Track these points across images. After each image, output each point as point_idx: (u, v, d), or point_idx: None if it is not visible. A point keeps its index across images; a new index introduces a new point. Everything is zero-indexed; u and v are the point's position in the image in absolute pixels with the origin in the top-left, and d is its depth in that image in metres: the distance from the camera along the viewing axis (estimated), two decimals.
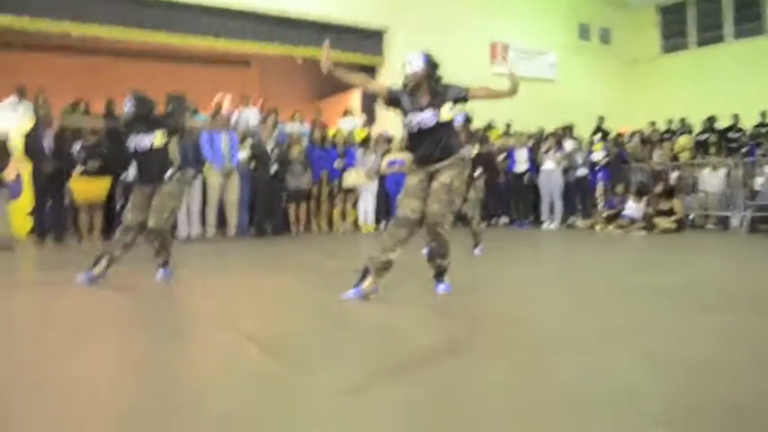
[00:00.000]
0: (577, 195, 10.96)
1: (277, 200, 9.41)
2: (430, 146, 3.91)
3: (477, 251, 6.67)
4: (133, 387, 2.35)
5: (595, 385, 2.21)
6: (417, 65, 3.90)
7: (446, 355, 2.64)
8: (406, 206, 3.91)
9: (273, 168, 9.20)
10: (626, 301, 3.93)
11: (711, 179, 10.28)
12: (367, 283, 3.85)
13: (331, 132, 10.94)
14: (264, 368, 2.51)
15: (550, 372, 2.38)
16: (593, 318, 3.43)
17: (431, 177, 3.93)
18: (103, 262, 4.80)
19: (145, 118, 4.90)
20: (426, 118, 3.88)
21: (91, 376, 2.46)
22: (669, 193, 9.75)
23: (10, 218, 8.20)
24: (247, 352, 2.77)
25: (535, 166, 10.99)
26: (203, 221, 8.87)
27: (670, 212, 9.53)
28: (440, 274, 4.10)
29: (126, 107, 4.88)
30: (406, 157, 6.82)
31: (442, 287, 4.07)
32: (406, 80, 3.93)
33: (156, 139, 4.86)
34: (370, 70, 13.66)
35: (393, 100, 4.00)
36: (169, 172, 4.91)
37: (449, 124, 3.96)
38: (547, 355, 2.65)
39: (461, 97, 3.96)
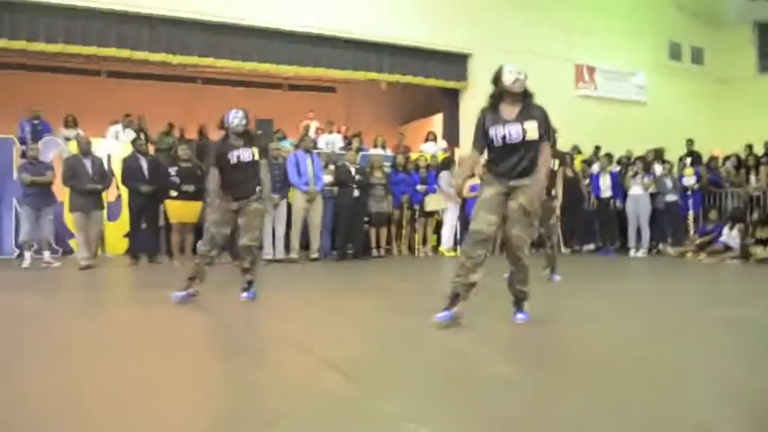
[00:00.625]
0: (667, 221, 10.57)
1: (359, 223, 9.56)
2: (512, 160, 3.87)
3: (555, 277, 6.52)
4: (209, 407, 2.46)
5: (670, 421, 2.15)
6: (524, 77, 3.91)
7: (516, 388, 2.63)
8: (482, 220, 3.85)
9: (356, 192, 9.36)
10: (710, 335, 3.78)
11: None
12: (457, 307, 3.87)
13: (414, 156, 11.06)
14: (338, 392, 2.57)
15: (623, 407, 2.33)
16: (670, 352, 3.32)
17: (508, 193, 3.89)
18: (195, 280, 5.03)
19: (246, 133, 5.15)
20: (513, 131, 3.85)
21: (169, 394, 2.59)
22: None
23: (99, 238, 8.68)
24: (322, 375, 2.83)
25: (622, 191, 10.70)
26: (287, 244, 9.11)
27: None
28: (519, 302, 4.06)
29: (236, 120, 5.06)
30: None
31: (520, 316, 4.03)
32: (517, 86, 3.88)
33: (255, 154, 5.10)
34: (454, 94, 13.76)
35: (485, 129, 3.95)
36: (257, 190, 5.13)
37: (534, 142, 3.88)
38: (621, 391, 2.59)
39: (545, 133, 3.91)
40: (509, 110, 3.91)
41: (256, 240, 5.18)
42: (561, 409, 2.31)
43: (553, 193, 6.44)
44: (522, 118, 3.87)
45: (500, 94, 3.95)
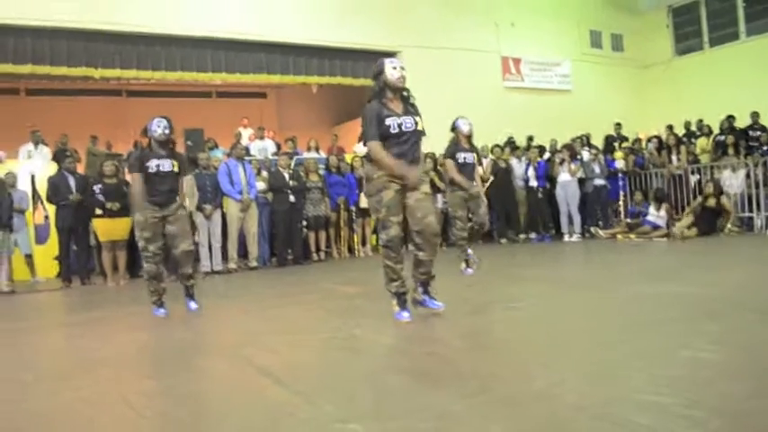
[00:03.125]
0: (597, 205, 10.89)
1: (297, 229, 9.51)
2: (406, 147, 3.92)
3: (469, 271, 6.59)
4: (142, 424, 2.41)
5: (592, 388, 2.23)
6: (406, 73, 3.99)
7: (450, 379, 2.68)
8: (395, 225, 3.89)
9: (291, 198, 9.30)
10: (635, 309, 3.92)
11: (732, 180, 10.16)
12: (408, 304, 4.01)
13: (349, 157, 11.06)
14: (273, 399, 2.57)
15: (546, 387, 2.40)
16: (598, 328, 3.43)
17: (403, 185, 3.91)
18: (160, 296, 5.10)
19: (169, 142, 5.11)
20: (407, 121, 3.91)
21: (102, 416, 2.54)
22: (719, 192, 9.62)
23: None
24: (257, 383, 2.83)
25: (552, 179, 10.94)
26: (224, 254, 8.99)
27: (718, 212, 9.49)
28: (428, 284, 4.11)
29: (158, 129, 5.01)
30: None
31: (439, 303, 4.09)
32: (401, 81, 3.95)
33: (175, 166, 5.09)
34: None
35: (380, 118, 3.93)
36: (178, 202, 5.14)
37: (420, 135, 4.01)
38: (543, 368, 2.67)
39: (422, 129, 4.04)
40: (394, 105, 3.97)
41: (192, 244, 5.32)
42: (490, 396, 2.36)
43: (474, 183, 6.54)
44: (408, 113, 3.97)
45: (382, 89, 3.98)
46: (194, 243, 5.40)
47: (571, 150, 10.61)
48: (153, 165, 4.99)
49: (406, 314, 3.96)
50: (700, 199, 9.78)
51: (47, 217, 9.47)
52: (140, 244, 5.07)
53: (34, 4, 10.08)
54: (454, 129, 6.49)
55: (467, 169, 6.44)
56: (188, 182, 5.28)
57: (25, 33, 10.31)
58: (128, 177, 9.49)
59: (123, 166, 8.73)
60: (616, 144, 13.00)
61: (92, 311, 5.97)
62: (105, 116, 14.49)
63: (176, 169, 5.10)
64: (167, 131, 5.05)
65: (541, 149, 11.69)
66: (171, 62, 11.61)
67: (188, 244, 5.15)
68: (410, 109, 4.00)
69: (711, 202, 9.53)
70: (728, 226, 9.46)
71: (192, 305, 5.18)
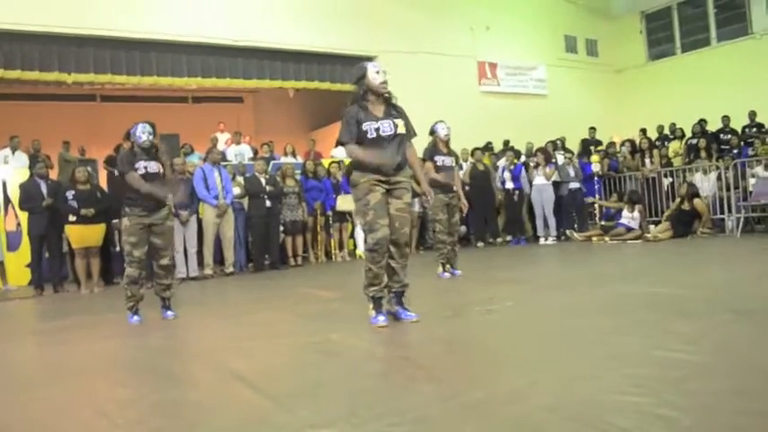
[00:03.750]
0: (572, 208, 10.98)
1: (274, 234, 9.45)
2: (388, 153, 3.91)
3: (456, 272, 6.66)
4: (116, 429, 2.39)
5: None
6: (387, 77, 4.01)
7: (424, 382, 2.68)
8: (381, 228, 3.88)
9: (268, 203, 9.24)
10: (609, 310, 3.96)
11: (703, 183, 10.31)
12: (383, 308, 4.03)
13: (326, 162, 11.04)
14: (247, 403, 2.55)
15: (525, 387, 2.41)
16: (575, 328, 3.46)
17: (388, 191, 3.95)
18: (135, 303, 5.05)
19: (152, 148, 5.09)
20: (385, 125, 3.92)
21: (75, 425, 2.50)
22: (692, 195, 9.73)
23: None
24: (232, 389, 2.80)
25: (528, 182, 11.01)
26: (200, 260, 8.91)
27: (692, 214, 9.61)
28: (402, 296, 4.12)
29: (143, 135, 4.99)
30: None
31: (411, 314, 4.07)
32: (384, 86, 3.97)
33: (160, 169, 5.07)
34: None
35: (358, 121, 3.95)
36: (167, 208, 5.11)
37: (403, 138, 4.02)
38: (522, 368, 2.68)
39: (409, 130, 4.07)
40: (376, 109, 3.99)
41: (173, 258, 5.37)
42: (464, 399, 2.36)
43: (455, 188, 6.57)
44: (389, 116, 3.97)
45: (365, 93, 3.99)
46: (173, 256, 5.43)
47: (546, 154, 10.70)
48: (141, 166, 4.96)
49: (381, 318, 3.96)
50: (675, 204, 9.91)
51: (18, 224, 9.33)
52: (125, 248, 5.04)
53: (4, 8, 9.92)
54: (432, 133, 6.52)
55: (445, 172, 6.47)
56: (171, 182, 5.25)
57: None
58: (103, 183, 9.48)
59: (97, 171, 8.64)
60: (592, 148, 13.15)
61: (64, 319, 5.88)
62: (79, 121, 14.32)
63: (161, 170, 5.09)
64: (152, 137, 5.04)
65: (517, 153, 11.77)
66: (146, 67, 11.49)
67: (169, 258, 5.16)
68: (392, 112, 4.00)
69: (686, 205, 9.66)
70: (701, 228, 9.60)
71: (169, 314, 5.14)
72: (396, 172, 3.97)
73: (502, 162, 11.37)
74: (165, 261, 5.11)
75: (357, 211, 4.17)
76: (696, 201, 9.64)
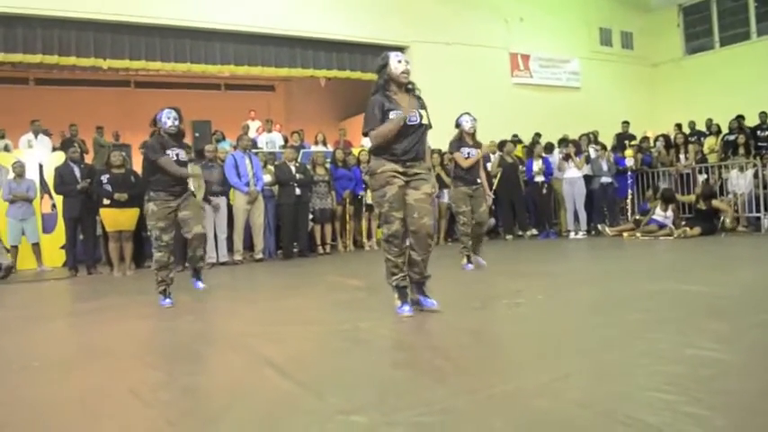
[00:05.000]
0: (604, 203, 10.86)
1: (303, 222, 9.52)
2: (409, 141, 3.91)
3: (480, 261, 6.62)
4: (147, 413, 2.43)
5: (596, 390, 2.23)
6: (410, 67, 4.01)
7: (453, 374, 2.68)
8: (398, 220, 3.90)
9: (297, 191, 9.30)
10: (640, 306, 3.91)
11: (739, 180, 10.11)
12: (408, 298, 4.03)
13: (356, 151, 11.06)
14: (277, 389, 2.57)
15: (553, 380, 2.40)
16: (605, 324, 3.42)
17: (407, 182, 3.94)
18: (167, 287, 5.12)
19: (179, 135, 5.16)
20: (412, 114, 3.91)
21: (107, 404, 2.55)
22: (709, 195, 9.60)
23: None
24: (261, 374, 2.83)
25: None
26: (230, 246, 9.01)
27: (709, 214, 9.45)
28: (424, 285, 4.12)
29: (168, 121, 5.05)
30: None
31: (432, 301, 4.08)
32: (406, 76, 3.97)
33: (187, 156, 5.18)
34: None
35: (384, 110, 3.94)
36: (189, 191, 5.27)
37: (426, 129, 4.01)
38: (551, 364, 2.67)
39: (428, 122, 4.05)
40: (399, 98, 3.98)
41: (205, 228, 5.52)
42: (493, 391, 2.36)
43: (479, 180, 6.55)
44: (412, 105, 3.96)
45: (387, 82, 3.99)
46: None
47: (576, 146, 10.58)
48: (172, 154, 5.04)
49: (407, 308, 3.97)
50: (687, 197, 10.00)
51: (54, 206, 9.52)
52: (154, 233, 5.07)
53: None
54: (458, 125, 6.50)
55: (470, 164, 6.45)
56: (197, 171, 5.34)
57: (34, 23, 10.34)
58: (138, 167, 9.61)
59: (131, 156, 8.75)
60: (626, 142, 12.95)
61: (98, 301, 5.99)
62: (113, 107, 14.55)
63: (185, 158, 5.18)
64: (177, 122, 5.08)
65: (549, 146, 11.64)
66: (180, 54, 11.63)
67: (201, 227, 5.24)
68: (415, 102, 4.00)
69: (701, 204, 9.52)
70: (727, 224, 9.48)
71: (200, 284, 5.25)
72: (414, 161, 3.97)
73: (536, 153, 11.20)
74: (197, 229, 5.16)
75: (373, 200, 4.17)
76: (714, 202, 9.50)
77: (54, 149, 10.64)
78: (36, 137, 10.84)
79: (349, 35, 12.92)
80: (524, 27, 15.18)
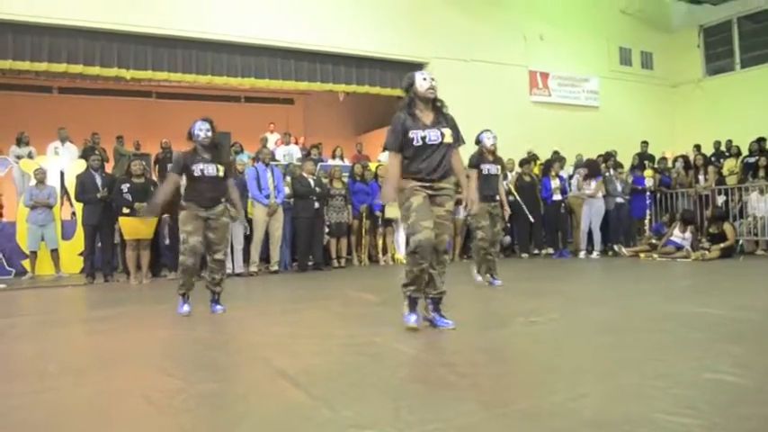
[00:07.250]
0: (618, 223, 10.78)
1: (319, 235, 9.54)
2: (434, 160, 3.95)
3: (495, 282, 6.60)
4: (162, 421, 2.44)
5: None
6: (436, 84, 4.05)
7: (468, 390, 2.67)
8: (426, 229, 3.87)
9: (316, 204, 9.33)
10: (657, 327, 3.88)
11: (760, 203, 10.01)
12: (417, 308, 4.08)
13: (373, 166, 11.09)
14: (291, 401, 2.58)
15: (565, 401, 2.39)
16: (619, 345, 3.40)
17: (432, 196, 3.99)
18: (187, 293, 5.17)
19: (214, 147, 5.15)
20: (432, 134, 3.94)
21: (123, 411, 2.57)
22: (719, 218, 9.53)
23: None
24: (276, 385, 2.85)
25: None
26: (246, 257, 9.04)
27: (721, 237, 9.33)
28: (440, 302, 4.14)
29: (201, 132, 5.04)
30: None
31: (447, 321, 4.08)
32: (432, 92, 4.00)
33: (220, 171, 5.10)
34: None
35: (404, 129, 3.99)
36: (222, 205, 5.21)
37: (450, 147, 4.03)
38: (561, 385, 2.65)
39: (457, 139, 4.08)
40: (424, 116, 4.02)
41: (226, 255, 5.52)
42: (508, 410, 2.35)
43: (497, 197, 6.57)
44: (437, 124, 3.99)
45: (412, 100, 4.04)
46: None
47: (591, 168, 10.53)
48: (198, 169, 5.02)
49: (413, 318, 4.02)
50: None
51: (74, 213, 9.64)
52: (181, 237, 5.10)
53: (70, 5, 10.28)
54: (478, 142, 6.52)
55: (490, 181, 6.46)
56: (231, 186, 5.34)
57: (60, 33, 10.52)
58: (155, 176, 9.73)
59: (151, 166, 8.83)
60: (647, 162, 12.88)
61: (114, 308, 6.04)
62: (135, 117, 14.73)
63: (221, 173, 5.11)
64: (210, 134, 5.08)
65: (563, 164, 11.60)
66: (202, 66, 11.76)
67: (222, 253, 5.24)
68: (440, 120, 4.02)
69: (713, 228, 9.44)
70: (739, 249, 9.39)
71: (218, 308, 5.23)
72: (440, 179, 4.00)
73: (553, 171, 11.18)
74: (219, 255, 5.20)
75: (401, 215, 4.18)
76: (726, 226, 9.41)
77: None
78: (63, 144, 10.99)
79: (368, 50, 13.01)
80: (544, 45, 15.19)
